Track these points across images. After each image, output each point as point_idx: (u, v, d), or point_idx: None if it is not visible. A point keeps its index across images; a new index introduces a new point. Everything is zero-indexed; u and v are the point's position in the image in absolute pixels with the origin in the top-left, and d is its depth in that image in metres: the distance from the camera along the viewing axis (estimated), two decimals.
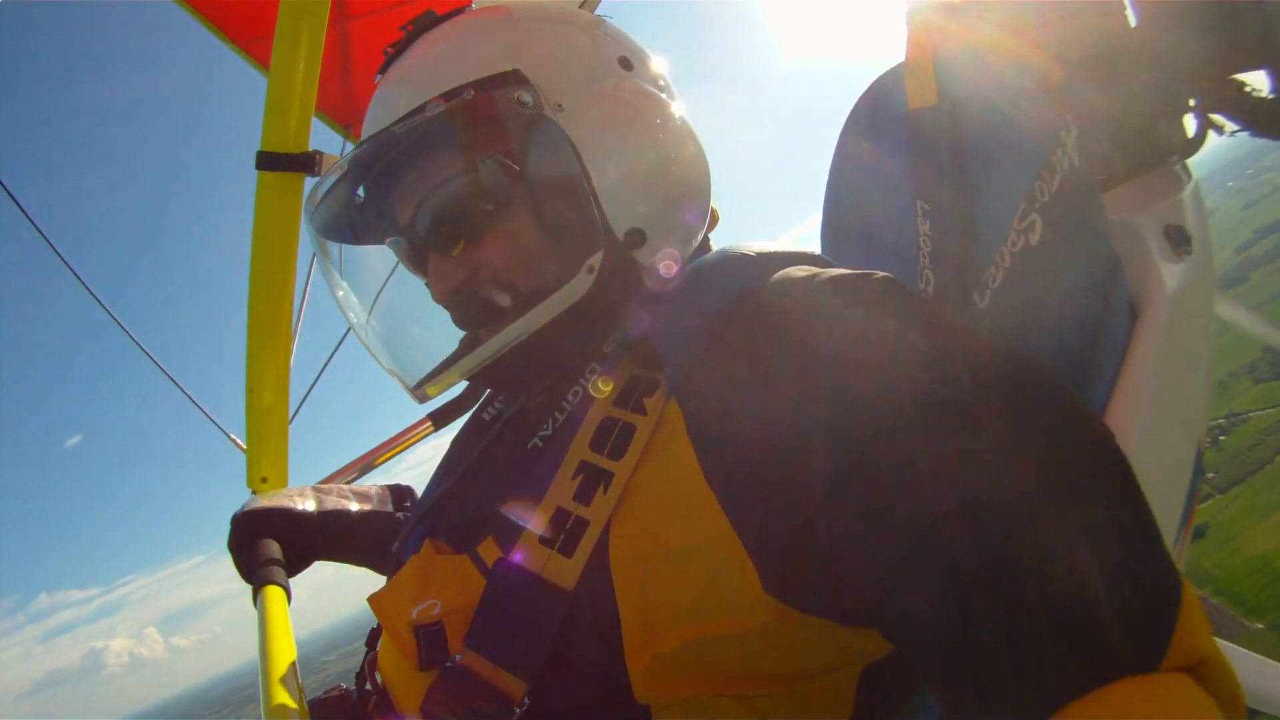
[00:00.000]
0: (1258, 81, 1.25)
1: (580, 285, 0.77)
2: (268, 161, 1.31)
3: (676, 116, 0.84)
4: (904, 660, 0.64)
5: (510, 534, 0.72)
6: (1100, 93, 1.19)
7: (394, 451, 1.84)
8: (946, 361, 0.64)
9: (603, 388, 0.76)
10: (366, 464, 1.79)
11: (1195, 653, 0.51)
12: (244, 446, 1.47)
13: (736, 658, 0.66)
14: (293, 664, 0.84)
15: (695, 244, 0.87)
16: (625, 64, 0.84)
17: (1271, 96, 1.24)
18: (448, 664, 0.70)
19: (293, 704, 0.76)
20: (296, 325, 1.51)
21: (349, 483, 1.72)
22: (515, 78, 0.78)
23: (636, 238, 0.79)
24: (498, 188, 0.78)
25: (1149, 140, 1.29)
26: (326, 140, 2.87)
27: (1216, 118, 1.28)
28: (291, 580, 1.03)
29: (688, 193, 0.84)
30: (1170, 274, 1.07)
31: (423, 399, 0.87)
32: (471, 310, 0.81)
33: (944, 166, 1.03)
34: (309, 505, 1.11)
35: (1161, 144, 1.30)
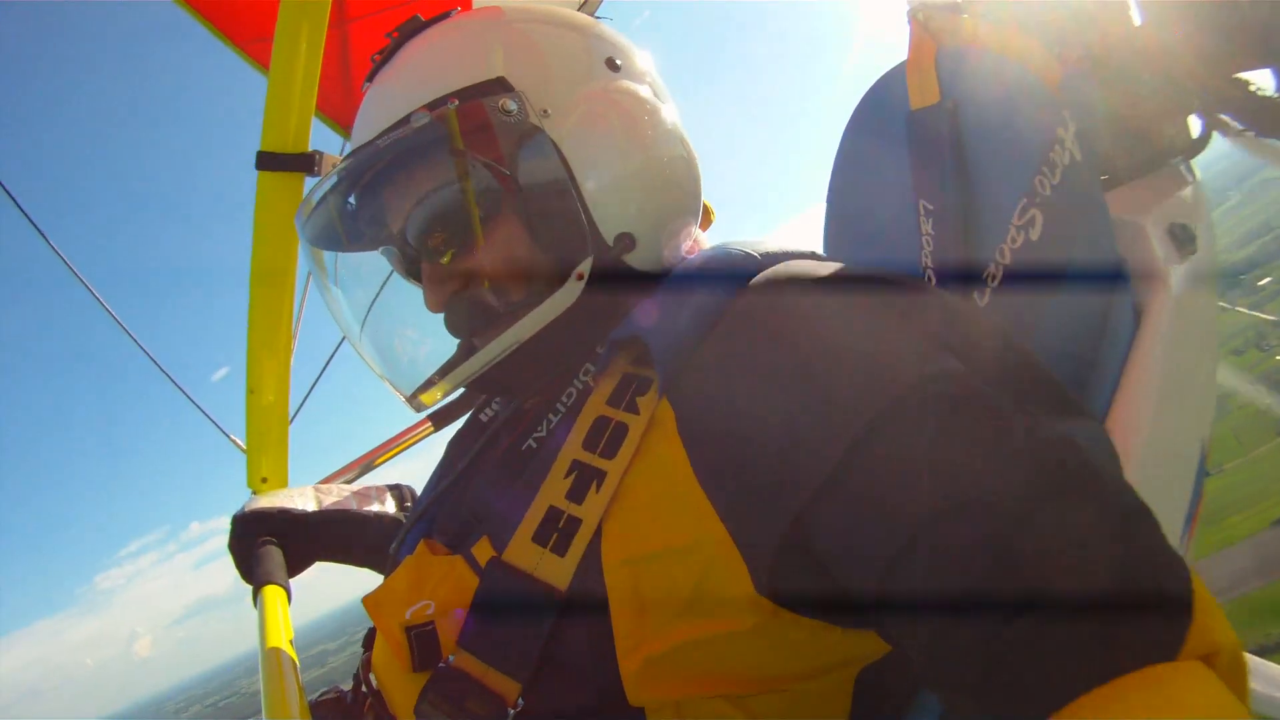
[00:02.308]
0: (1263, 81, 1.24)
1: (570, 293, 0.77)
2: (268, 161, 1.31)
3: (665, 116, 0.83)
4: (903, 661, 0.64)
5: (504, 534, 0.72)
6: (1103, 92, 1.19)
7: (394, 451, 1.83)
8: (940, 356, 0.64)
9: (596, 387, 0.76)
10: (366, 464, 1.78)
11: (1212, 643, 0.50)
12: (244, 446, 1.47)
13: (729, 659, 0.65)
14: (294, 664, 0.83)
15: (688, 243, 0.86)
16: (612, 65, 0.83)
17: (1277, 96, 1.23)
18: (441, 665, 0.69)
19: (293, 704, 0.76)
20: (297, 325, 1.51)
21: (349, 483, 1.72)
22: (500, 85, 0.77)
23: (626, 242, 0.79)
24: (486, 196, 0.78)
25: (1153, 140, 1.28)
26: (326, 140, 2.87)
27: (1221, 118, 1.27)
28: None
29: (677, 193, 0.83)
30: (1174, 274, 1.06)
31: (419, 408, 0.86)
32: (464, 318, 0.81)
33: (945, 166, 1.03)
34: (309, 505, 1.11)
35: (1165, 144, 1.29)
